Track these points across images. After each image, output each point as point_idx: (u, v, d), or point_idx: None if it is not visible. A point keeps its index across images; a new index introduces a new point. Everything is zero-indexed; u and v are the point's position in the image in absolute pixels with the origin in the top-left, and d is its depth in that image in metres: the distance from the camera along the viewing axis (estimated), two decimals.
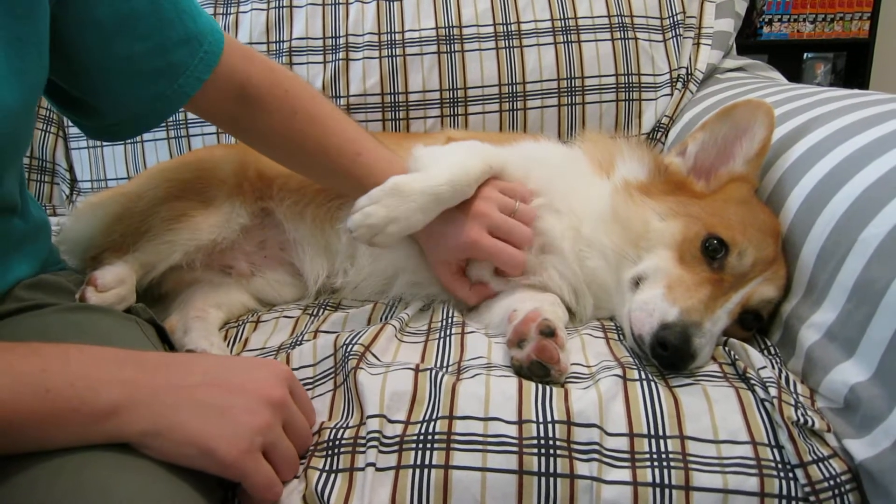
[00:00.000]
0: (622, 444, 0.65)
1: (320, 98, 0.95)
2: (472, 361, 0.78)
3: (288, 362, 0.80)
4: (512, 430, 0.66)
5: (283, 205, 1.07)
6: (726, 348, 0.79)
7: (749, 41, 3.71)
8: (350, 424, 0.70)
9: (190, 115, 1.41)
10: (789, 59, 3.79)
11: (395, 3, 1.42)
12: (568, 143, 1.08)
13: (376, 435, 0.67)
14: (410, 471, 0.64)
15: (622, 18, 1.42)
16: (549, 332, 0.75)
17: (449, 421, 0.67)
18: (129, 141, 1.45)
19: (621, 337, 0.84)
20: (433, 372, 0.73)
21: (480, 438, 0.66)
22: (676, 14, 1.44)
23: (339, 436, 0.68)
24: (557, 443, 0.65)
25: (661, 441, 0.65)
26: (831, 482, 0.62)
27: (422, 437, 0.66)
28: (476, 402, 0.69)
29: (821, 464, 0.63)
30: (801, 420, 0.65)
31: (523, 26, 1.41)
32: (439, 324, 0.88)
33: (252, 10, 1.44)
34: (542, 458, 0.64)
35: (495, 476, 0.64)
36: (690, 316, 0.76)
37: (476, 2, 1.42)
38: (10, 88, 0.65)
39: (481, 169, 0.92)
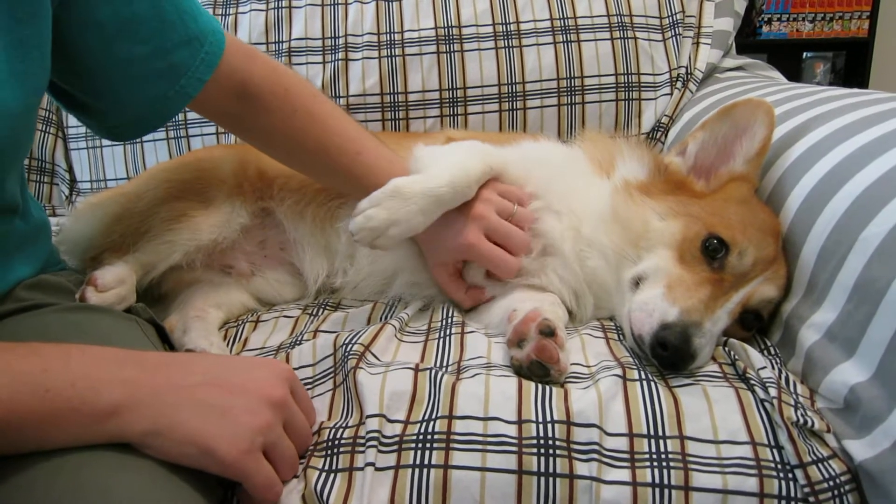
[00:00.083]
0: (622, 444, 0.65)
1: (321, 97, 0.95)
2: (472, 361, 0.78)
3: (287, 362, 0.80)
4: (511, 430, 0.66)
5: (283, 204, 1.07)
6: (726, 348, 0.78)
7: (748, 40, 3.71)
8: (349, 424, 0.70)
9: (190, 116, 1.42)
10: (789, 59, 3.79)
11: (395, 3, 1.42)
12: (568, 142, 1.08)
13: (376, 434, 0.67)
14: (410, 470, 0.64)
15: (621, 18, 1.42)
16: (548, 332, 0.75)
17: (448, 421, 0.67)
18: (126, 142, 1.45)
19: (621, 337, 0.84)
20: (433, 372, 0.73)
21: (480, 438, 0.66)
22: (676, 13, 1.44)
23: (338, 435, 0.68)
24: (557, 443, 0.65)
25: (661, 441, 0.65)
26: (831, 483, 0.62)
27: (421, 437, 0.66)
28: (476, 402, 0.69)
29: (820, 464, 0.63)
30: (801, 420, 0.65)
31: (522, 26, 1.41)
32: (439, 323, 0.88)
33: (251, 10, 1.44)
34: (542, 458, 0.64)
35: (495, 476, 0.64)
36: (690, 316, 0.76)
37: (475, 2, 1.42)
38: (11, 91, 0.65)
39: (482, 170, 0.92)
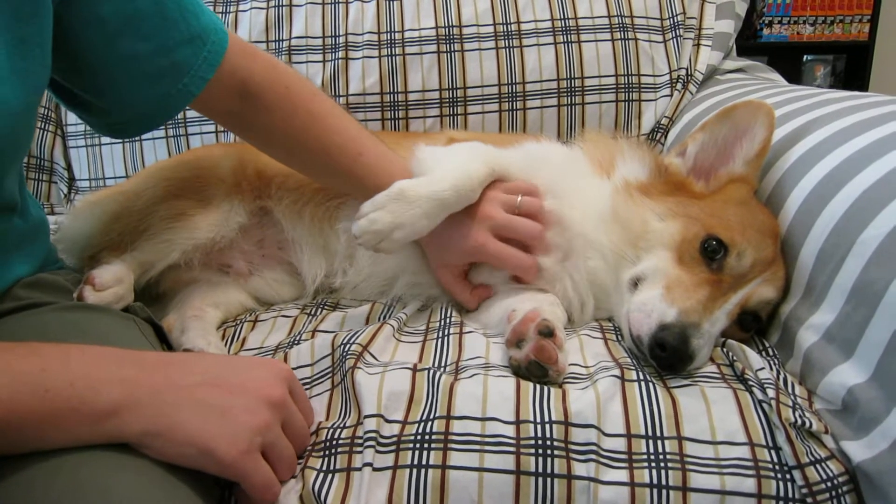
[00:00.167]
0: (620, 444, 0.65)
1: (322, 96, 0.95)
2: (470, 361, 0.77)
3: (285, 362, 0.80)
4: (509, 431, 0.66)
5: (281, 204, 1.07)
6: (724, 349, 0.79)
7: (749, 43, 3.72)
8: (347, 424, 0.69)
9: (189, 114, 1.41)
10: (789, 61, 3.79)
11: (395, 2, 1.42)
12: (568, 143, 1.08)
13: (373, 435, 0.67)
14: (407, 471, 0.64)
15: (622, 19, 1.42)
16: (547, 333, 0.75)
17: (446, 421, 0.67)
18: (127, 139, 1.45)
19: (619, 337, 0.84)
20: (431, 372, 0.73)
21: (478, 438, 0.66)
22: (677, 15, 1.44)
23: (336, 436, 0.68)
24: (555, 443, 0.65)
25: (659, 442, 0.65)
26: (828, 484, 0.62)
27: (419, 437, 0.66)
28: (474, 403, 0.69)
29: (818, 465, 0.63)
30: (799, 421, 0.65)
31: (523, 26, 1.41)
32: (437, 324, 0.88)
33: (252, 8, 1.44)
34: (540, 459, 0.64)
35: (492, 476, 0.64)
36: (689, 317, 0.76)
37: (476, 1, 1.42)
38: (12, 89, 0.65)
39: (485, 172, 0.91)
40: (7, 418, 0.53)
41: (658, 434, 0.66)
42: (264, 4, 1.44)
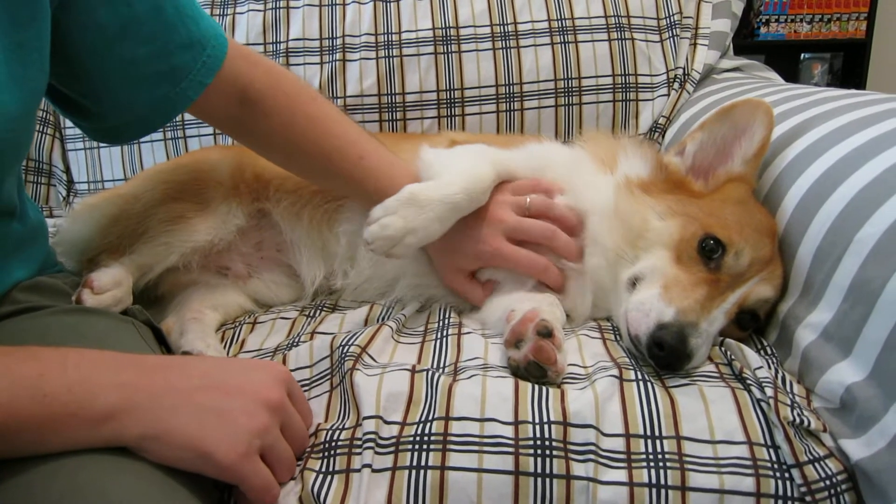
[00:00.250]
0: (618, 444, 0.65)
1: (321, 100, 0.95)
2: (469, 362, 0.78)
3: (284, 364, 0.80)
4: (508, 431, 0.66)
5: (279, 206, 1.07)
6: (723, 348, 0.79)
7: (746, 41, 3.72)
8: (346, 426, 0.70)
9: (187, 117, 1.41)
10: (786, 60, 3.79)
11: (392, 3, 1.42)
12: (567, 143, 1.08)
13: (372, 436, 0.67)
14: (406, 472, 0.64)
15: (619, 19, 1.42)
16: (546, 333, 0.75)
17: (445, 422, 0.67)
18: (124, 143, 1.45)
19: (618, 337, 0.84)
20: (430, 373, 0.73)
21: (477, 439, 0.66)
22: (673, 14, 1.45)
23: (335, 437, 0.68)
24: (554, 443, 0.65)
25: (658, 441, 0.65)
26: (827, 482, 0.62)
27: (418, 438, 0.66)
28: (472, 403, 0.69)
29: (817, 464, 0.63)
30: (798, 420, 0.65)
31: (520, 27, 1.41)
32: (436, 325, 0.88)
33: (249, 10, 1.44)
34: (539, 459, 0.64)
35: (491, 477, 0.64)
36: (687, 316, 0.76)
37: (473, 2, 1.42)
38: (10, 94, 0.65)
39: (493, 175, 0.92)
40: (6, 422, 0.53)
41: (657, 434, 0.66)
42: (261, 6, 1.44)
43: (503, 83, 1.39)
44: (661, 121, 1.39)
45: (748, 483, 0.62)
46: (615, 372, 0.72)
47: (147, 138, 1.43)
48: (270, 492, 0.61)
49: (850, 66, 3.86)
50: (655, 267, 0.84)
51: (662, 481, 0.63)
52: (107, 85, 0.80)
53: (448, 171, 0.90)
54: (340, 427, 0.70)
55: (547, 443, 0.65)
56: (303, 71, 1.40)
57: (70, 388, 0.55)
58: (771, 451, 0.64)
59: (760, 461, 0.64)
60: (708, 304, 0.78)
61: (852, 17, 3.72)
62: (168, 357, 0.78)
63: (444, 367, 0.77)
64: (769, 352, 0.81)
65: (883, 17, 3.71)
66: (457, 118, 1.40)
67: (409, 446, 0.66)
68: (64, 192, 1.52)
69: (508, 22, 1.41)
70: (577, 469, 0.64)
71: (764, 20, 3.76)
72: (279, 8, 1.43)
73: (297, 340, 0.85)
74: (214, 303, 1.01)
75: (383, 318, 0.92)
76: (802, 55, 3.89)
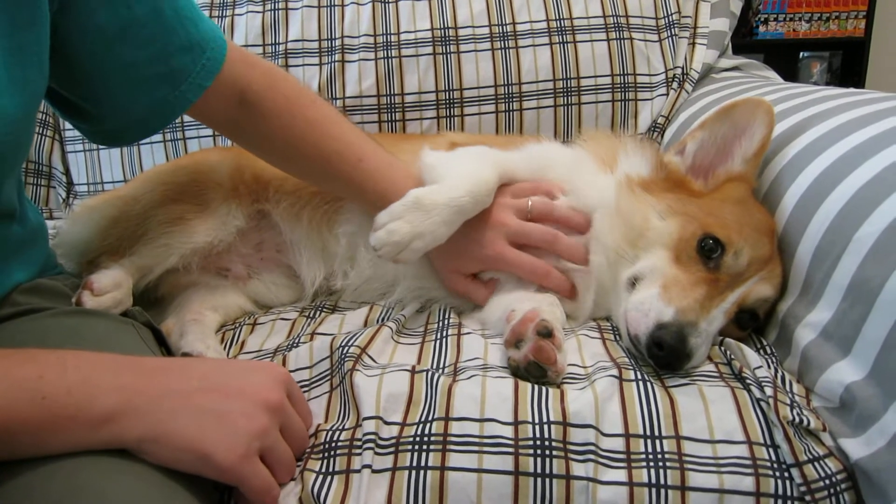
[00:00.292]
0: (618, 444, 0.66)
1: (320, 102, 0.95)
2: (469, 363, 0.78)
3: (284, 364, 0.80)
4: (508, 431, 0.66)
5: (279, 207, 1.07)
6: (722, 348, 0.79)
7: (745, 40, 3.72)
8: (346, 426, 0.70)
9: (186, 118, 1.41)
10: (785, 59, 3.79)
11: (391, 4, 1.42)
12: (567, 143, 1.08)
13: (372, 437, 0.67)
14: (406, 472, 0.64)
15: (617, 19, 1.42)
16: (546, 333, 0.75)
17: (445, 422, 0.67)
18: (123, 146, 1.45)
19: (617, 337, 0.84)
20: (429, 373, 0.73)
21: (476, 440, 0.66)
22: (672, 14, 1.45)
23: (335, 438, 0.68)
24: (553, 444, 0.65)
25: (657, 441, 0.65)
26: (827, 481, 0.62)
27: (418, 439, 0.66)
28: (472, 404, 0.69)
29: (816, 463, 0.63)
30: (797, 419, 0.65)
31: (519, 27, 1.41)
32: (436, 325, 0.88)
33: (248, 12, 1.44)
34: (539, 459, 0.64)
35: (491, 477, 0.64)
36: (686, 316, 0.76)
37: (471, 3, 1.42)
38: (10, 97, 0.65)
39: (496, 177, 0.92)
40: (5, 425, 0.53)
41: (656, 433, 0.66)
42: (260, 8, 1.44)
43: (502, 83, 1.39)
44: (660, 120, 1.39)
45: (748, 482, 0.62)
46: (615, 372, 0.72)
47: (146, 140, 1.43)
48: (270, 493, 0.61)
49: (848, 65, 3.86)
50: (655, 267, 0.84)
51: (662, 481, 0.63)
52: (106, 87, 0.80)
53: (451, 174, 0.90)
54: (340, 428, 0.70)
55: (547, 443, 0.65)
56: (302, 72, 1.40)
57: (69, 390, 0.55)
58: (770, 450, 0.64)
59: (760, 461, 0.64)
60: (707, 304, 0.78)
61: (851, 16, 3.71)
62: (167, 359, 0.78)
63: (443, 367, 0.77)
64: (768, 351, 0.81)
65: (882, 15, 3.71)
66: (456, 119, 1.40)
67: (409, 447, 0.66)
68: (64, 194, 1.52)
69: (507, 22, 1.41)
70: (577, 469, 0.64)
71: (762, 19, 3.76)
72: (278, 9, 1.43)
73: (296, 341, 0.85)
74: (214, 304, 1.01)
75: (383, 319, 0.92)
76: (801, 54, 3.89)
